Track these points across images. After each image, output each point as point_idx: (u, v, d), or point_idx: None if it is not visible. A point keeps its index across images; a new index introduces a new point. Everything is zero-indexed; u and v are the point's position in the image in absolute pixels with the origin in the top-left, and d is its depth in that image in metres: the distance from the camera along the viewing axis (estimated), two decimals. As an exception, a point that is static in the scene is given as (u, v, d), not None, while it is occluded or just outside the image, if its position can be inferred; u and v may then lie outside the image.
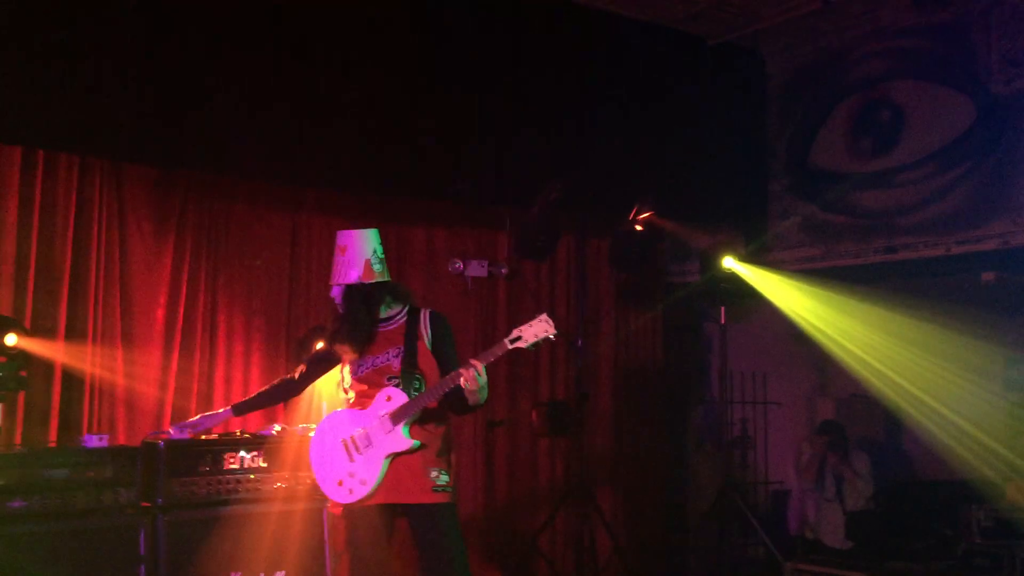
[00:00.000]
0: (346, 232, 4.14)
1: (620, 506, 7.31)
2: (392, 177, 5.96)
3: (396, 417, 3.81)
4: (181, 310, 5.76)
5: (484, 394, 3.75)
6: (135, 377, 5.59)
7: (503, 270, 6.66)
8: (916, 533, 6.33)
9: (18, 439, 5.04)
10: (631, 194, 6.50)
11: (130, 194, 5.65)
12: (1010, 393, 6.26)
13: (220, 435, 5.13)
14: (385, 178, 5.97)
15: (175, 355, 5.72)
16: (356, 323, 3.93)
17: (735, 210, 7.19)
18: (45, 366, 5.21)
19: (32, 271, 5.26)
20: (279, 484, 4.96)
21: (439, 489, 3.83)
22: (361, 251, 4.04)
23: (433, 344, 3.96)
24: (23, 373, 4.81)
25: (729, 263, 6.63)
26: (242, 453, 4.89)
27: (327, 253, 6.27)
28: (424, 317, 3.99)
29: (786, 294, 6.67)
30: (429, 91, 5.76)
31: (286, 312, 6.14)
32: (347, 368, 4.01)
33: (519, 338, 3.67)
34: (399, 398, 3.84)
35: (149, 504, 4.63)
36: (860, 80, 6.71)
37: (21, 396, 5.04)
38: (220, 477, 4.78)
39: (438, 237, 6.71)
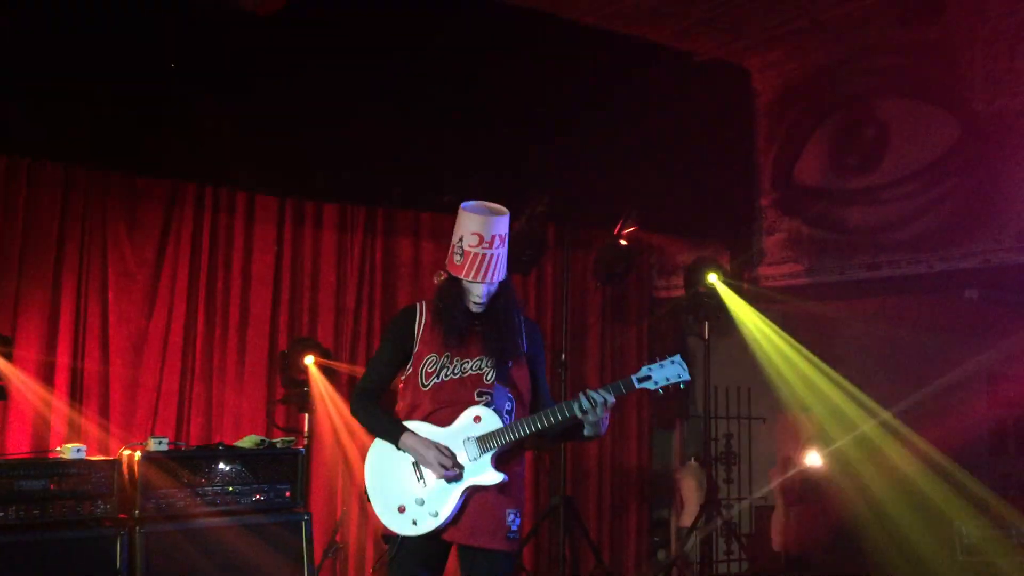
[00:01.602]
0: (494, 214, 3.31)
1: (604, 521, 7.30)
2: (379, 189, 5.96)
3: (485, 444, 3.24)
4: (163, 321, 5.76)
5: (606, 425, 3.27)
6: (115, 388, 5.58)
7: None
8: (900, 549, 6.33)
9: (-6, 449, 5.03)
10: (617, 208, 6.51)
11: (113, 204, 5.65)
12: (993, 410, 6.27)
13: (198, 447, 5.11)
14: (372, 190, 5.98)
15: (156, 366, 5.72)
16: (508, 329, 3.33)
17: (721, 225, 7.20)
18: (24, 376, 5.19)
19: (15, 281, 5.25)
20: (258, 496, 4.94)
21: (513, 536, 3.28)
22: (506, 241, 3.35)
23: (530, 357, 3.41)
24: (2, 383, 4.79)
25: (713, 279, 6.64)
26: (221, 465, 4.86)
27: (311, 264, 6.31)
28: (520, 323, 3.43)
29: (758, 323, 6.68)
30: (416, 103, 5.76)
31: (269, 323, 6.12)
32: (424, 367, 3.34)
33: (648, 378, 3.21)
34: (491, 421, 3.27)
35: (126, 516, 4.60)
36: (846, 97, 6.73)
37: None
38: (199, 489, 4.76)
39: (425, 249, 6.71)
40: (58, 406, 5.32)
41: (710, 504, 6.69)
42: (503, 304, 3.35)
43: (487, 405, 3.28)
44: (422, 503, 3.26)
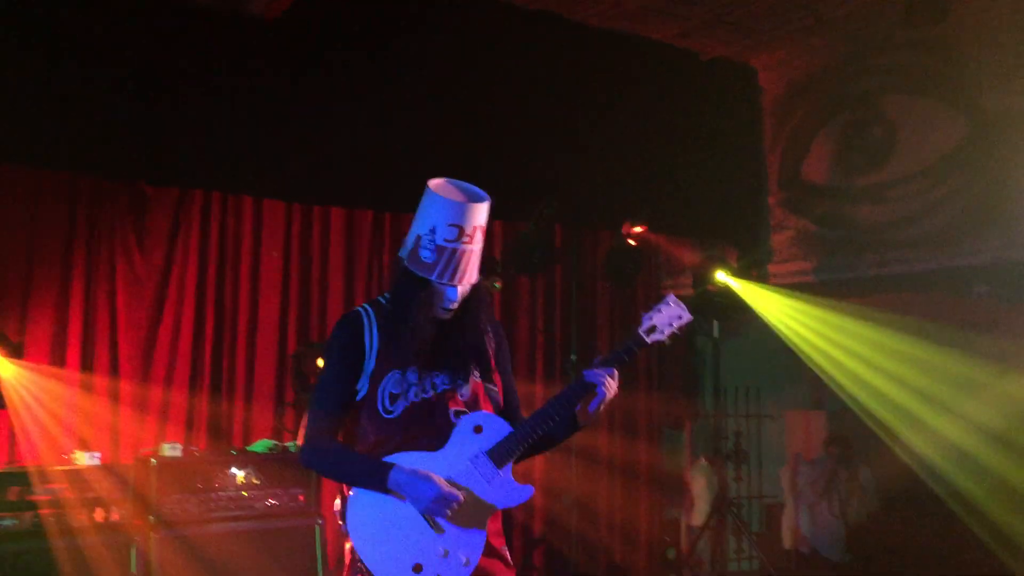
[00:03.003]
0: (476, 200, 2.68)
1: (615, 520, 7.29)
2: (386, 192, 5.95)
3: (500, 455, 2.65)
4: (172, 326, 5.75)
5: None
6: (125, 393, 5.57)
7: (497, 283, 6.64)
8: (912, 547, 6.33)
9: (5, 457, 5.02)
10: (624, 208, 6.51)
11: (121, 211, 5.66)
12: (1003, 407, 6.26)
13: (211, 452, 5.12)
14: (379, 193, 5.97)
15: (166, 371, 5.70)
16: (481, 337, 2.78)
17: (729, 224, 7.19)
18: (34, 382, 5.19)
19: (23, 288, 5.26)
20: (272, 501, 4.94)
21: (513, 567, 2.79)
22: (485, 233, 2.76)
23: (499, 363, 2.87)
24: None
25: (722, 277, 6.64)
26: (234, 470, 4.87)
27: (320, 268, 6.30)
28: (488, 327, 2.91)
29: (777, 309, 6.67)
30: (422, 106, 5.75)
31: (278, 328, 6.11)
32: (386, 388, 2.68)
33: (653, 328, 2.73)
34: (496, 427, 2.68)
35: (141, 522, 4.61)
36: (852, 95, 6.73)
37: (4, 415, 5.02)
38: (212, 495, 4.77)
39: (431, 252, 6.68)
40: (69, 412, 5.31)
41: (721, 502, 6.69)
42: (474, 307, 2.74)
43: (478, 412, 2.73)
44: (446, 553, 2.59)
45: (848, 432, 7.15)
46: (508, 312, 6.91)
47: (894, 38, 6.43)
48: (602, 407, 2.72)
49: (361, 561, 2.60)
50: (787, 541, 7.29)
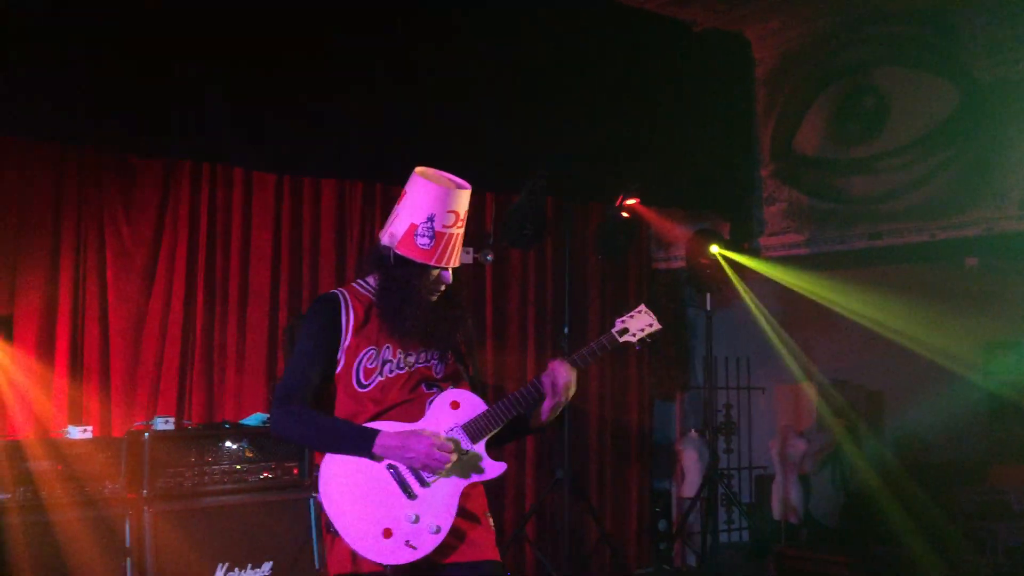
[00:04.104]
0: (462, 187, 2.93)
1: (607, 493, 7.33)
2: (376, 163, 5.90)
3: (475, 431, 2.77)
4: (162, 299, 5.71)
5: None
6: (116, 367, 5.54)
7: (489, 256, 6.61)
8: (904, 515, 6.39)
9: (-1, 431, 4.99)
10: (616, 181, 6.48)
11: (109, 183, 5.59)
12: (988, 381, 6.31)
13: (205, 425, 5.10)
14: (368, 165, 5.92)
15: (156, 344, 5.67)
16: (462, 316, 2.94)
17: (721, 196, 7.17)
18: (24, 357, 5.15)
19: (12, 262, 5.21)
20: (266, 474, 4.94)
21: (497, 544, 2.87)
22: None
23: (468, 342, 3.02)
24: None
25: (714, 250, 6.64)
26: (228, 443, 4.85)
27: (311, 240, 6.26)
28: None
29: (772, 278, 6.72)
30: (413, 76, 5.69)
31: (269, 300, 6.07)
32: (361, 363, 2.79)
33: (626, 330, 2.93)
34: (473, 404, 2.81)
35: (134, 496, 4.59)
36: (845, 66, 6.70)
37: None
38: (206, 468, 4.75)
39: (423, 224, 6.65)
40: (59, 386, 5.28)
41: (711, 474, 6.73)
42: (455, 287, 2.91)
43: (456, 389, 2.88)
44: (416, 519, 2.67)
45: (843, 405, 7.21)
46: (499, 284, 6.90)
47: (887, 8, 6.40)
48: (552, 408, 2.86)
49: (333, 526, 2.69)
50: (777, 512, 7.35)
